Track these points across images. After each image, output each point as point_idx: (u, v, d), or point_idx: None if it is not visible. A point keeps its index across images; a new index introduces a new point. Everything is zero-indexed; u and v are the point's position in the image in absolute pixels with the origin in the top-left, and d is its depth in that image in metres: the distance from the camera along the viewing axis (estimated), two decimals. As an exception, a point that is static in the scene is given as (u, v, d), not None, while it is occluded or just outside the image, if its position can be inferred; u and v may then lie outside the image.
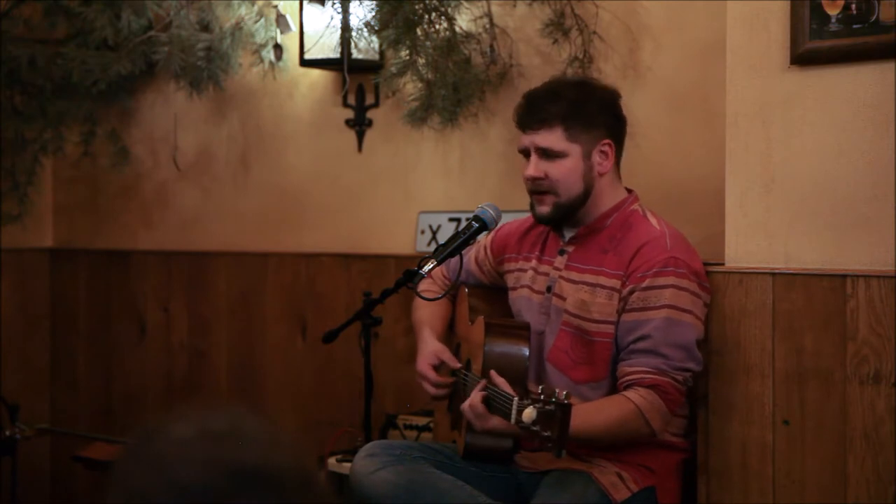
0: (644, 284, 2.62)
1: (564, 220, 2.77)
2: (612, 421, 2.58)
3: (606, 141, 2.73)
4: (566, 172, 2.70)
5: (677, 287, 2.62)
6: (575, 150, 2.70)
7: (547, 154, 2.71)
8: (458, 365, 2.90)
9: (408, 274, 2.69)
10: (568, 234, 2.80)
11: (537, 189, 2.74)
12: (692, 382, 2.69)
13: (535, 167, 2.72)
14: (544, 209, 2.75)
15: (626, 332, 2.64)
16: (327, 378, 4.11)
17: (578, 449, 2.65)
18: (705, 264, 2.77)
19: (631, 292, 2.63)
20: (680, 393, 2.63)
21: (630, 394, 2.59)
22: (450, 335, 3.08)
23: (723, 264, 2.79)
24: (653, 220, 2.74)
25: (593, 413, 2.59)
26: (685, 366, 2.62)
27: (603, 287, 2.68)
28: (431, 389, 2.91)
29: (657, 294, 2.61)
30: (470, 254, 3.02)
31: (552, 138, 2.69)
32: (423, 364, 2.91)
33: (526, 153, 2.75)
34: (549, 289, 2.79)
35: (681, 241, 2.71)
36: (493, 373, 2.55)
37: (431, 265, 2.68)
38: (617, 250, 2.70)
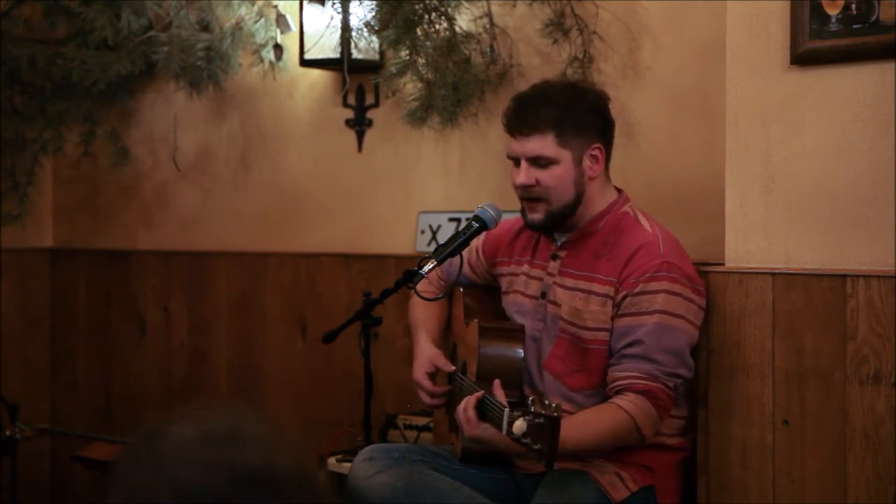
0: (637, 290, 2.61)
1: (556, 226, 2.76)
2: (605, 431, 2.58)
3: (597, 145, 2.71)
4: (558, 179, 2.68)
5: (670, 292, 2.61)
6: (566, 156, 2.67)
7: (538, 161, 2.68)
8: (453, 368, 2.89)
9: (408, 274, 2.69)
10: (560, 239, 2.78)
11: (528, 196, 2.72)
12: (682, 388, 2.68)
13: (525, 174, 2.69)
14: (536, 216, 2.73)
15: (618, 337, 2.63)
16: (327, 378, 4.11)
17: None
18: (705, 264, 2.77)
19: (624, 298, 2.62)
20: (670, 399, 2.62)
21: (621, 401, 2.58)
22: (447, 334, 3.08)
23: (723, 264, 2.79)
24: (645, 223, 2.73)
25: (584, 425, 2.57)
26: (676, 371, 2.62)
27: (597, 294, 2.67)
28: (427, 399, 2.90)
29: (650, 299, 2.60)
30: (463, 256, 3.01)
31: (543, 145, 2.66)
32: (419, 372, 2.90)
33: (516, 160, 2.72)
34: (543, 294, 2.78)
35: (673, 244, 2.70)
36: (496, 382, 2.55)
37: (431, 265, 2.67)
38: (610, 255, 2.69)
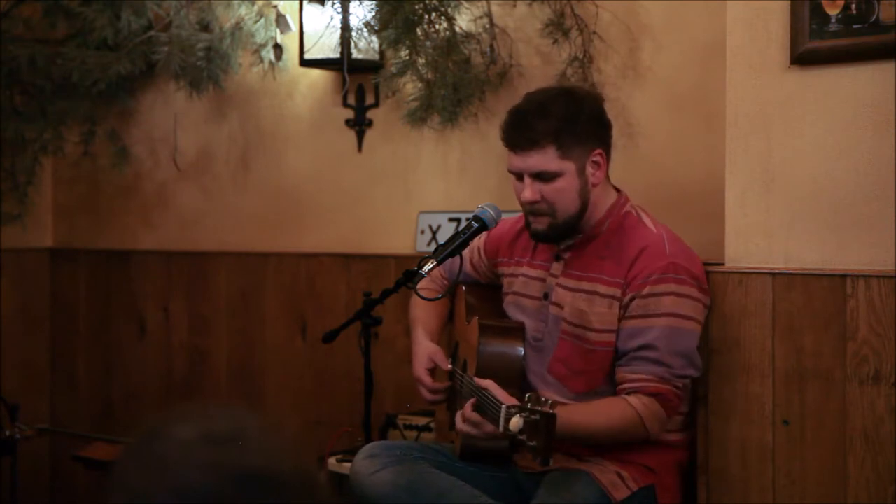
0: (644, 292, 2.61)
1: (560, 237, 2.74)
2: (613, 424, 2.59)
3: (598, 151, 2.68)
4: (562, 192, 2.65)
5: (677, 294, 2.61)
6: (569, 167, 2.65)
7: (542, 176, 2.65)
8: (450, 367, 2.89)
9: (408, 274, 2.69)
10: (564, 242, 2.78)
11: (534, 211, 2.70)
12: (690, 386, 2.69)
13: (531, 191, 2.66)
14: (540, 227, 2.71)
15: (626, 339, 2.63)
16: (327, 378, 4.11)
17: (576, 447, 2.65)
18: (705, 264, 2.76)
19: (631, 300, 2.62)
20: (679, 399, 2.64)
21: (633, 400, 2.58)
22: (449, 332, 3.08)
23: (723, 264, 2.79)
24: (648, 222, 2.72)
25: (594, 414, 2.59)
26: (685, 373, 2.62)
27: (601, 295, 2.67)
28: (428, 395, 2.90)
29: (657, 302, 2.60)
30: (464, 256, 3.01)
31: (545, 159, 2.63)
32: (420, 369, 2.90)
33: (518, 175, 2.70)
34: (546, 296, 2.77)
35: (679, 243, 2.69)
36: (490, 382, 2.54)
37: (431, 265, 2.67)
38: (615, 257, 2.68)
